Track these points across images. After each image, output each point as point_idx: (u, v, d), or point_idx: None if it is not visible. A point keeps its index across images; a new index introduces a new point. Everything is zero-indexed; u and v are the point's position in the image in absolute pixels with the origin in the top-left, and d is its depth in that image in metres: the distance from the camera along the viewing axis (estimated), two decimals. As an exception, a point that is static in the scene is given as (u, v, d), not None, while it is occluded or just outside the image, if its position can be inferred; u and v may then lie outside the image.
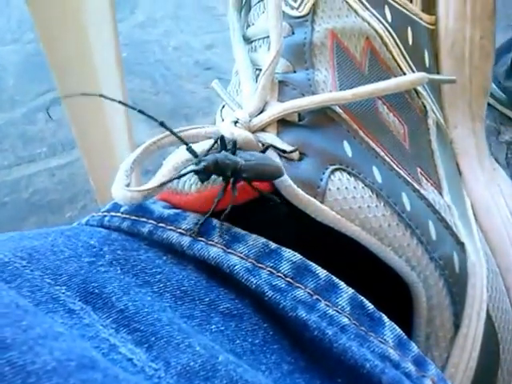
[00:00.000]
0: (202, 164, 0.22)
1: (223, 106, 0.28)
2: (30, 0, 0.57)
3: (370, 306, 0.22)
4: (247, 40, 0.29)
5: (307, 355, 0.21)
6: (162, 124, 0.23)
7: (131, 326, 0.20)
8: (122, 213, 0.24)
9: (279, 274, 0.22)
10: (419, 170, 0.27)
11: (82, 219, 0.26)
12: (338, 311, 0.21)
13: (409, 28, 0.28)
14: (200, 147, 0.25)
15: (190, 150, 0.23)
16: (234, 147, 0.24)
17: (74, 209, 0.82)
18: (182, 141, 0.23)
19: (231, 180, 0.23)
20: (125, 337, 0.19)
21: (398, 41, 0.27)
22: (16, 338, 0.17)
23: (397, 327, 0.22)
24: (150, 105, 0.90)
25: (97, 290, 0.21)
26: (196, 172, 0.22)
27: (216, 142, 0.25)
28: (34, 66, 1.00)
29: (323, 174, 0.24)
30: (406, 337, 0.22)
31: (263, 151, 0.25)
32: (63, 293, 0.20)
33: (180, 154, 0.24)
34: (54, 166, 0.94)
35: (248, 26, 0.30)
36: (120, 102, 0.23)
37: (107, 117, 0.69)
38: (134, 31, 1.00)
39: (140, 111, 0.23)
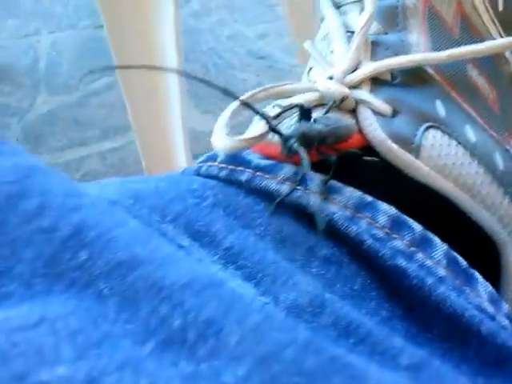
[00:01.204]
0: (291, 138, 0.22)
1: (310, 69, 0.29)
2: None
3: (464, 262, 0.22)
4: (335, 5, 0.30)
5: (404, 304, 0.21)
6: (225, 92, 0.22)
7: (238, 262, 0.20)
8: (219, 162, 0.25)
9: (377, 225, 0.22)
10: (507, 133, 0.27)
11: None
12: (434, 263, 0.21)
13: (499, -6, 0.29)
14: (295, 100, 0.26)
15: (262, 116, 0.23)
16: (309, 113, 0.25)
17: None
18: (253, 109, 0.23)
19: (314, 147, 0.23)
20: (233, 272, 0.20)
21: (488, 6, 0.28)
22: (147, 254, 0.17)
23: (489, 284, 0.22)
24: (202, 92, 0.91)
25: (203, 229, 0.21)
26: (283, 143, 0.22)
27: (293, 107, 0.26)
28: (89, 51, 1.02)
29: (417, 130, 0.24)
30: (497, 294, 0.22)
31: (354, 108, 0.26)
32: (171, 230, 0.21)
33: (277, 108, 0.25)
34: (106, 149, 0.96)
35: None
36: (186, 73, 0.23)
37: (162, 101, 0.70)
38: (189, 20, 1.01)
39: (206, 82, 0.22)
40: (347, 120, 0.25)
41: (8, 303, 0.16)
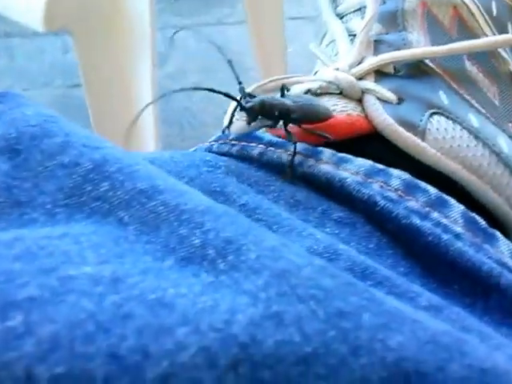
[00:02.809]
0: (250, 104, 0.23)
1: (315, 73, 0.30)
2: (76, 43, 0.60)
3: (483, 222, 0.22)
4: (338, 16, 0.31)
5: (422, 262, 0.21)
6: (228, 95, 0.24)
7: (253, 216, 0.20)
8: (231, 140, 0.25)
9: (390, 188, 0.22)
10: (511, 125, 0.28)
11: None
12: (451, 222, 0.21)
13: (493, 2, 0.31)
14: (299, 90, 0.26)
15: (230, 97, 0.24)
16: (282, 91, 0.25)
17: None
18: (233, 98, 0.24)
19: (281, 121, 0.24)
20: None
21: (483, 11, 0.29)
22: (167, 186, 0.17)
23: (510, 243, 0.22)
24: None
25: (218, 189, 0.21)
26: (244, 110, 0.23)
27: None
28: (62, 108, 1.03)
29: (422, 116, 0.25)
30: None
31: (360, 98, 0.26)
32: None
33: (291, 92, 0.26)
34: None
35: (336, 6, 0.32)
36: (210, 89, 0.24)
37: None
38: (165, 81, 1.03)
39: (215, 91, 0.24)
40: (324, 103, 0.25)
41: (32, 227, 0.16)
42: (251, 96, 0.24)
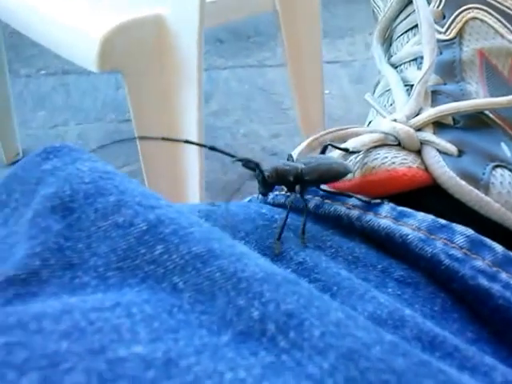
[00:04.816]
0: (266, 173, 0.21)
1: (369, 123, 0.28)
2: (127, 82, 0.61)
3: None
4: (392, 65, 0.29)
5: (490, 326, 0.19)
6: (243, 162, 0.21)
7: (311, 276, 0.18)
8: (286, 191, 0.24)
9: (454, 245, 0.20)
10: None
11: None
12: None
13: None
14: (357, 142, 0.25)
15: (246, 165, 0.21)
16: (291, 157, 0.24)
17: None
18: (224, 153, 0.21)
19: (297, 186, 0.22)
20: None
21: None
22: (224, 249, 0.16)
23: None
24: (219, 183, 0.91)
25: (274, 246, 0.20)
26: (260, 182, 0.21)
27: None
28: (113, 140, 1.03)
29: (484, 169, 0.23)
30: None
31: (419, 150, 0.24)
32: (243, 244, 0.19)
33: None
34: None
35: (390, 56, 0.30)
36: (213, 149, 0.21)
37: (183, 193, 0.70)
38: (208, 118, 1.03)
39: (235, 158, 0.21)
40: (339, 160, 0.24)
41: (83, 293, 0.15)
42: (256, 164, 0.22)
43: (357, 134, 0.25)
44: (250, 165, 0.21)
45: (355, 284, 0.18)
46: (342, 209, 0.22)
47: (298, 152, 0.24)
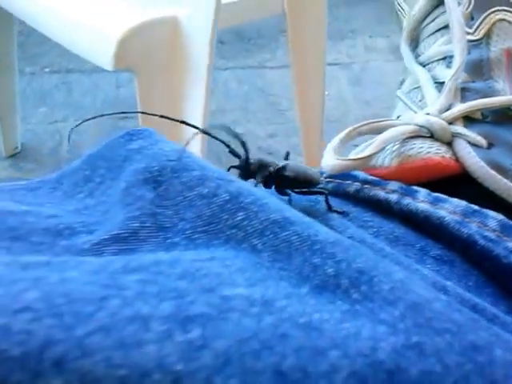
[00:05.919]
0: (250, 161, 0.22)
1: (398, 117, 0.30)
2: (138, 80, 0.61)
3: None
4: (420, 64, 0.31)
5: None
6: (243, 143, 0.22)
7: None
8: (325, 177, 0.25)
9: (487, 228, 0.22)
10: None
11: None
12: None
13: None
14: (395, 131, 0.26)
15: (232, 152, 0.23)
16: (288, 155, 0.25)
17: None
18: (236, 155, 0.23)
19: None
20: None
21: None
22: (296, 218, 0.17)
23: None
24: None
25: (323, 223, 0.21)
26: (242, 168, 0.22)
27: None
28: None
29: None
30: None
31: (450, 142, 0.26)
32: None
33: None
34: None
35: (417, 55, 0.32)
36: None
37: None
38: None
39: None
40: (314, 169, 0.24)
41: (175, 251, 0.17)
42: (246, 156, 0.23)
43: (392, 126, 0.26)
44: (236, 152, 0.22)
45: (400, 258, 0.20)
46: (380, 193, 0.23)
47: (339, 139, 0.25)
